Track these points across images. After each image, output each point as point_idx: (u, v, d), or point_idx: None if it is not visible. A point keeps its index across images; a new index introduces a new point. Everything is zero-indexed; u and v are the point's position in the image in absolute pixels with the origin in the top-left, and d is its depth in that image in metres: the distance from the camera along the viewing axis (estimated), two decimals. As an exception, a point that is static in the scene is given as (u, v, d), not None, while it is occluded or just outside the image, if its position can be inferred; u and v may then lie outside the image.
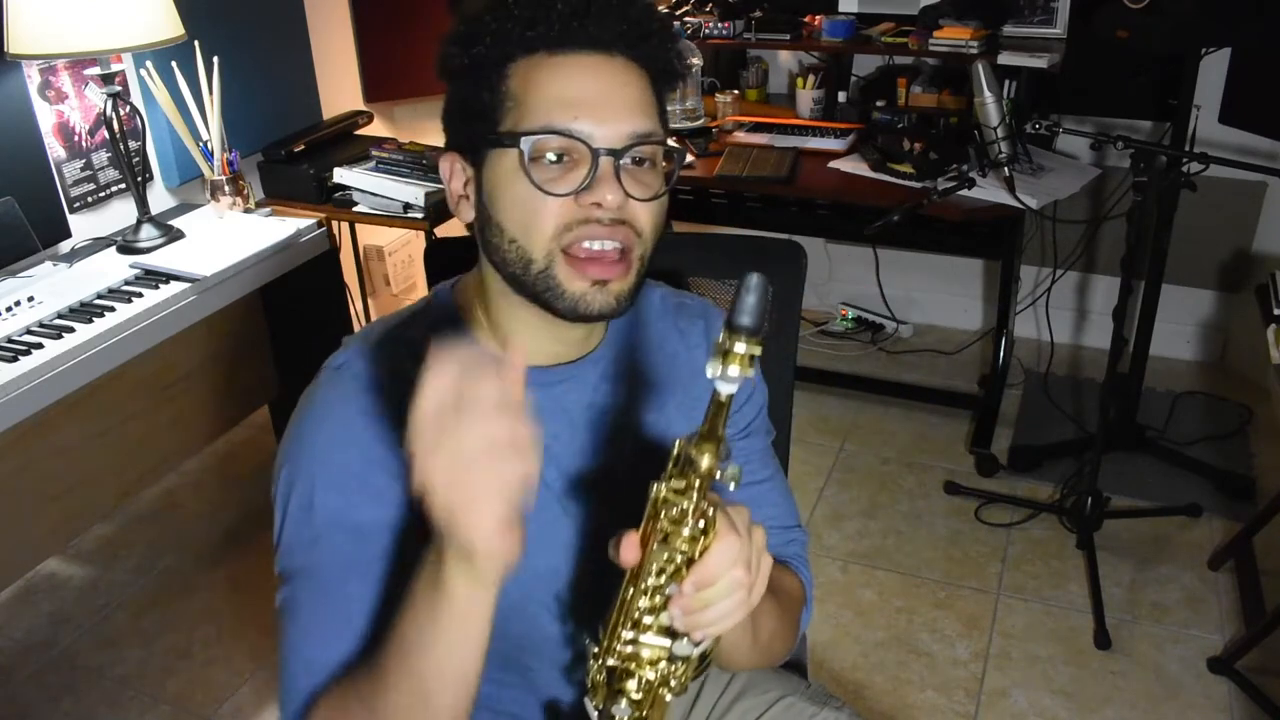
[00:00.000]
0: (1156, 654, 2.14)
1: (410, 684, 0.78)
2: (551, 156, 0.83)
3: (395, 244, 3.37)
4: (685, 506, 0.73)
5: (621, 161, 0.84)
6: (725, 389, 0.69)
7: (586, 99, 0.83)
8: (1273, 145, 2.66)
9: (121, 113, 2.11)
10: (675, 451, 0.74)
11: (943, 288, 3.40)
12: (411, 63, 3.08)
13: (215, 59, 2.30)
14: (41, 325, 1.89)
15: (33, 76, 2.16)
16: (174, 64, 2.28)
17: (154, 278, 2.09)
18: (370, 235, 3.27)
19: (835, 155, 2.74)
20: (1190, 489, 2.58)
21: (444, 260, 1.27)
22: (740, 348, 0.67)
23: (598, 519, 0.98)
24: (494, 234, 0.87)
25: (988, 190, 2.37)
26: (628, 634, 0.79)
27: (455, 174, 0.91)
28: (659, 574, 0.76)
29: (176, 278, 2.09)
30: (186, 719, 2.06)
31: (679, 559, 0.75)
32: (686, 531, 0.73)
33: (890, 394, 3.02)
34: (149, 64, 2.25)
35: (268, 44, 2.68)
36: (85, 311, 1.95)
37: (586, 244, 0.84)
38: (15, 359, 1.79)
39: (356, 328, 3.30)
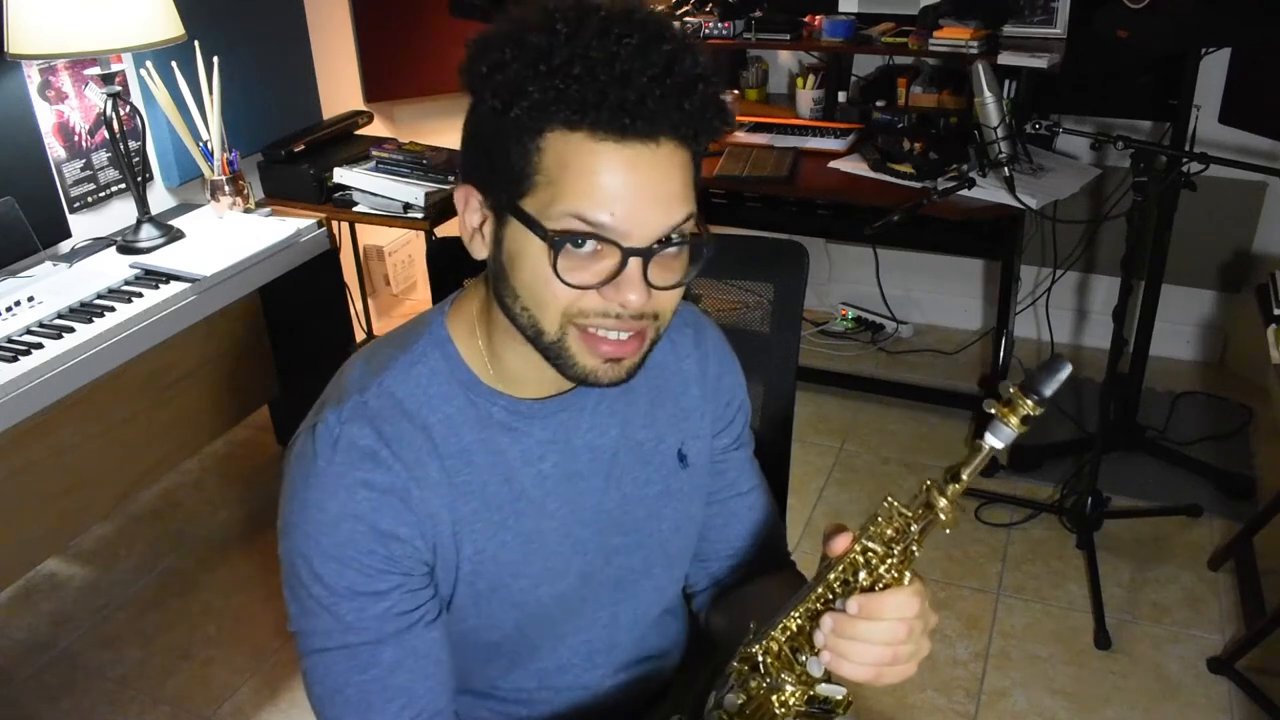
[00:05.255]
0: (1156, 654, 2.14)
1: None
2: (579, 247, 0.79)
3: (395, 244, 3.37)
4: (901, 533, 0.76)
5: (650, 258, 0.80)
6: (995, 442, 0.74)
7: (623, 194, 0.77)
8: (1273, 145, 2.66)
9: (121, 113, 2.11)
10: (924, 485, 0.77)
11: (943, 288, 3.40)
12: (411, 63, 3.08)
13: (215, 59, 2.30)
14: (41, 325, 1.89)
15: (33, 76, 2.16)
16: (174, 64, 2.28)
17: (154, 278, 2.09)
18: (370, 235, 3.27)
19: (835, 155, 2.74)
20: (1190, 489, 2.58)
21: (446, 260, 1.27)
22: (1025, 408, 0.73)
23: (601, 543, 0.99)
24: (508, 293, 0.85)
25: (988, 190, 2.37)
26: (785, 629, 0.82)
27: (471, 208, 0.86)
28: (841, 584, 0.78)
29: (176, 278, 2.09)
30: (186, 719, 2.06)
31: (866, 579, 0.77)
32: (891, 554, 0.77)
33: (890, 394, 3.02)
34: (149, 64, 2.25)
35: (268, 44, 2.68)
36: (85, 311, 1.95)
37: (602, 332, 0.82)
38: (15, 359, 1.79)
39: (356, 328, 3.28)
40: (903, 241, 3.15)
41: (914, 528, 0.76)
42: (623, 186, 0.78)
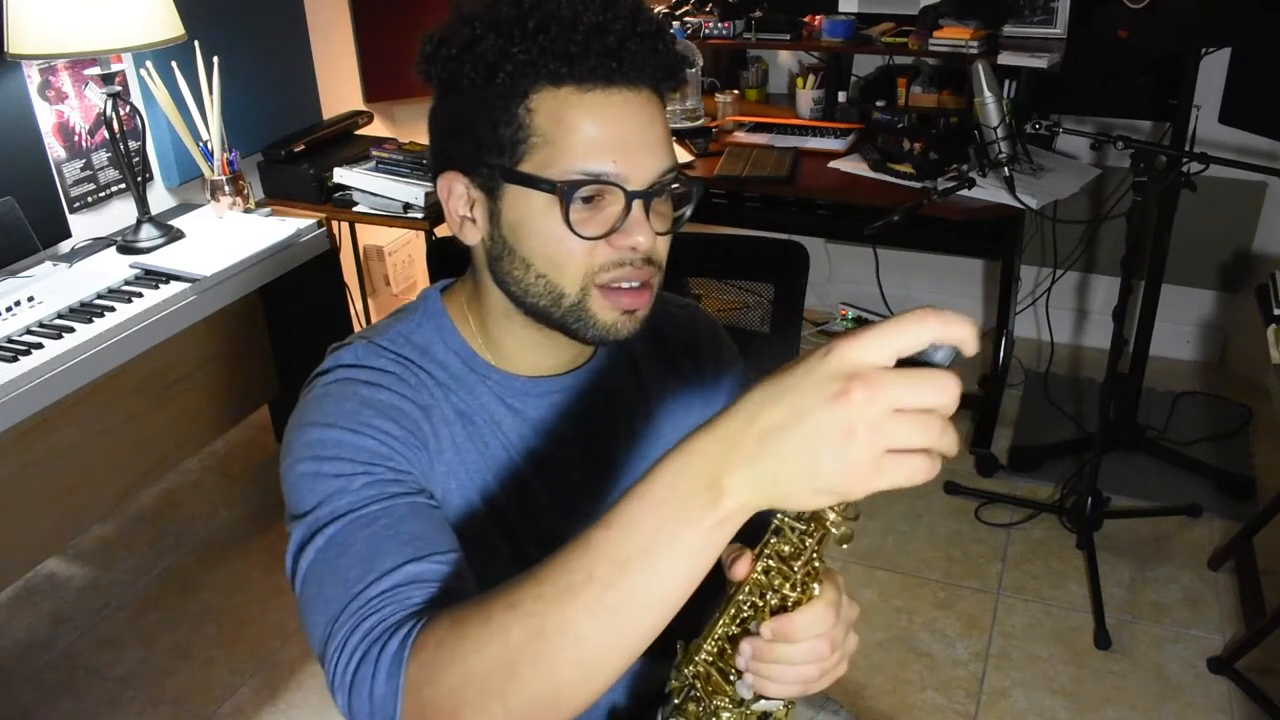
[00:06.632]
0: (1156, 654, 2.14)
1: (609, 599, 0.60)
2: (584, 197, 0.82)
3: (395, 244, 3.36)
4: (798, 549, 0.70)
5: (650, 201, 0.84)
6: None
7: (620, 141, 0.81)
8: (1273, 145, 2.66)
9: (121, 113, 2.11)
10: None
11: (943, 288, 3.40)
12: (411, 63, 3.06)
13: (215, 59, 2.30)
14: (41, 325, 1.89)
15: (33, 76, 2.15)
16: (174, 64, 2.28)
17: (154, 278, 2.09)
18: (370, 235, 3.27)
19: (835, 155, 2.74)
20: (1190, 489, 2.58)
21: (446, 259, 1.28)
22: None
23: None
24: (515, 266, 0.86)
25: (988, 190, 2.37)
26: (706, 654, 0.79)
27: (456, 195, 0.88)
28: (750, 606, 0.74)
29: (176, 278, 2.09)
30: (186, 719, 2.06)
31: (773, 599, 0.72)
32: (792, 573, 0.71)
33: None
34: (149, 64, 2.25)
35: (268, 44, 2.68)
36: (85, 311, 1.95)
37: (622, 283, 0.85)
38: (15, 359, 1.79)
39: (356, 328, 3.29)
40: (903, 241, 3.15)
41: (809, 542, 0.70)
42: (618, 133, 0.81)
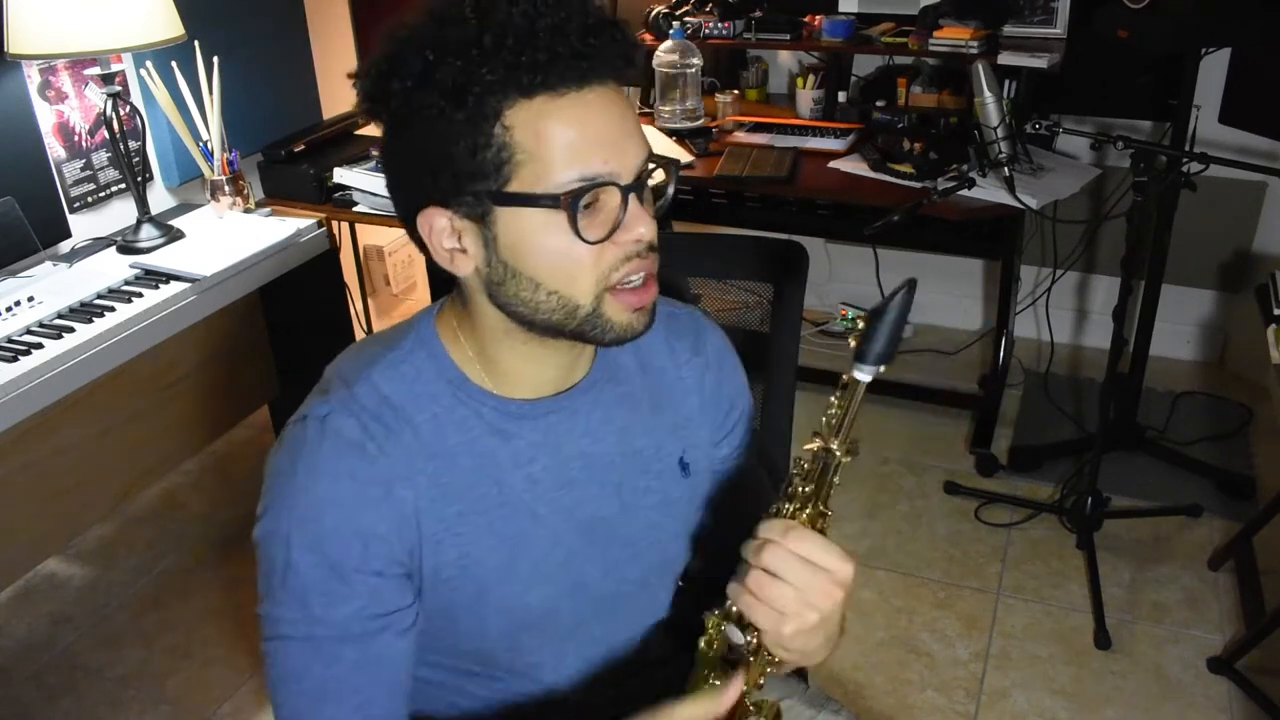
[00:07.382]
0: (1156, 654, 2.14)
1: None
2: (585, 204, 0.81)
3: (395, 244, 3.37)
4: (810, 478, 0.84)
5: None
6: (861, 376, 0.80)
7: (605, 139, 0.80)
8: (1273, 145, 2.66)
9: (121, 113, 2.11)
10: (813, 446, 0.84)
11: (943, 288, 3.40)
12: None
13: (215, 59, 2.30)
14: (41, 325, 1.89)
15: (33, 76, 2.15)
16: (174, 64, 2.28)
17: (154, 278, 2.09)
18: (370, 235, 3.27)
19: (835, 155, 2.74)
20: (1190, 489, 2.58)
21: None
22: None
23: (599, 555, 0.98)
24: (522, 287, 0.83)
25: (988, 190, 2.37)
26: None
27: (439, 230, 0.84)
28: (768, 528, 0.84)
29: (176, 278, 2.09)
30: (187, 719, 2.06)
31: (790, 508, 0.84)
32: (806, 494, 0.84)
33: (890, 394, 3.02)
34: (149, 64, 2.25)
35: (268, 44, 2.68)
36: (85, 311, 1.95)
37: (632, 279, 0.84)
38: (15, 359, 1.79)
39: (356, 328, 3.28)
40: (903, 241, 3.15)
41: (818, 475, 0.84)
42: (602, 131, 0.80)
